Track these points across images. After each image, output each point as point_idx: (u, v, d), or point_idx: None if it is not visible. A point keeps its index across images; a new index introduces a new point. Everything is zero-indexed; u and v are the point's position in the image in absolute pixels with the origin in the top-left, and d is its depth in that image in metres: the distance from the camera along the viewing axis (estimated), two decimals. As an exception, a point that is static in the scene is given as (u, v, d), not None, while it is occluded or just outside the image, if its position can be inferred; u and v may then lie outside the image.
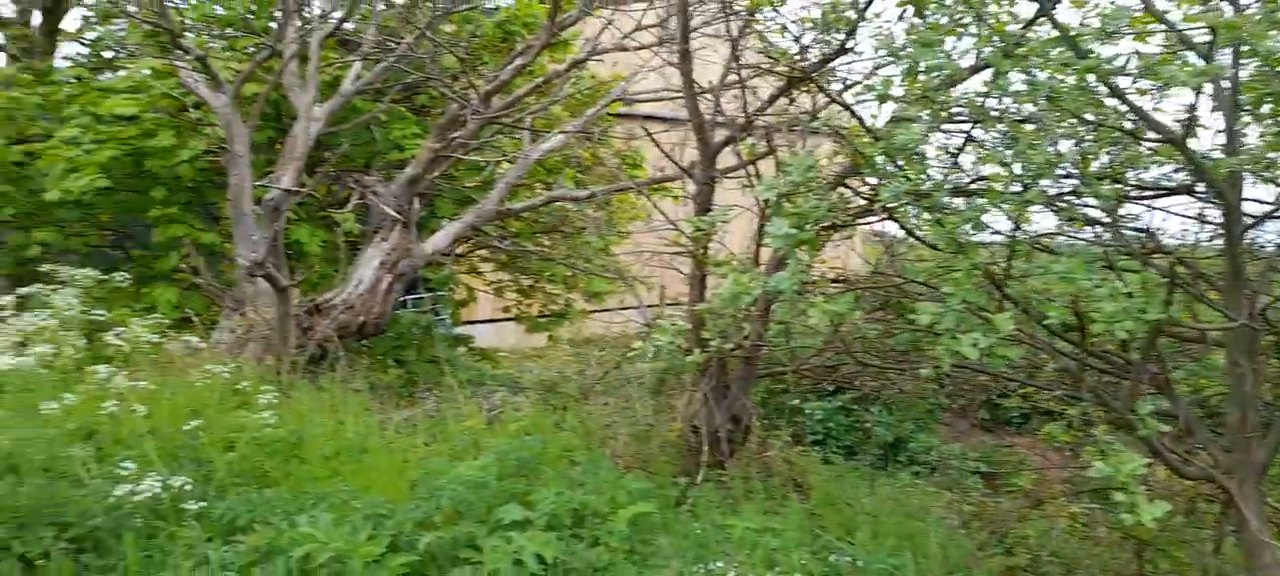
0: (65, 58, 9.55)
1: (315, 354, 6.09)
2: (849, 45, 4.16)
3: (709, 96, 3.82)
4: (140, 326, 4.70)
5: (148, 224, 9.24)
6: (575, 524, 3.07)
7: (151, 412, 3.57)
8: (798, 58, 4.24)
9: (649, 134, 3.93)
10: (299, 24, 6.67)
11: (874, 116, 3.61)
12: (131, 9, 7.97)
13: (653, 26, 5.63)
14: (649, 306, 5.37)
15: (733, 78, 4.27)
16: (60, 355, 3.70)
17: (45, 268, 4.76)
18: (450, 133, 6.43)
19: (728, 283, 3.25)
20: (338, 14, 7.00)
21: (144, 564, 2.97)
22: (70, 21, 9.50)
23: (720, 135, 3.71)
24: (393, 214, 6.24)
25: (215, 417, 3.74)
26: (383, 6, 7.22)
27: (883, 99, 3.04)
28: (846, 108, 3.97)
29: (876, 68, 4.18)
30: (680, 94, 6.08)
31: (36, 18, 9.35)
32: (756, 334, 4.29)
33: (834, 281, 4.63)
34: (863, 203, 3.96)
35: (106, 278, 5.12)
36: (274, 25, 7.58)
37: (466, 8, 7.48)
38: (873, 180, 3.82)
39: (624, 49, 6.01)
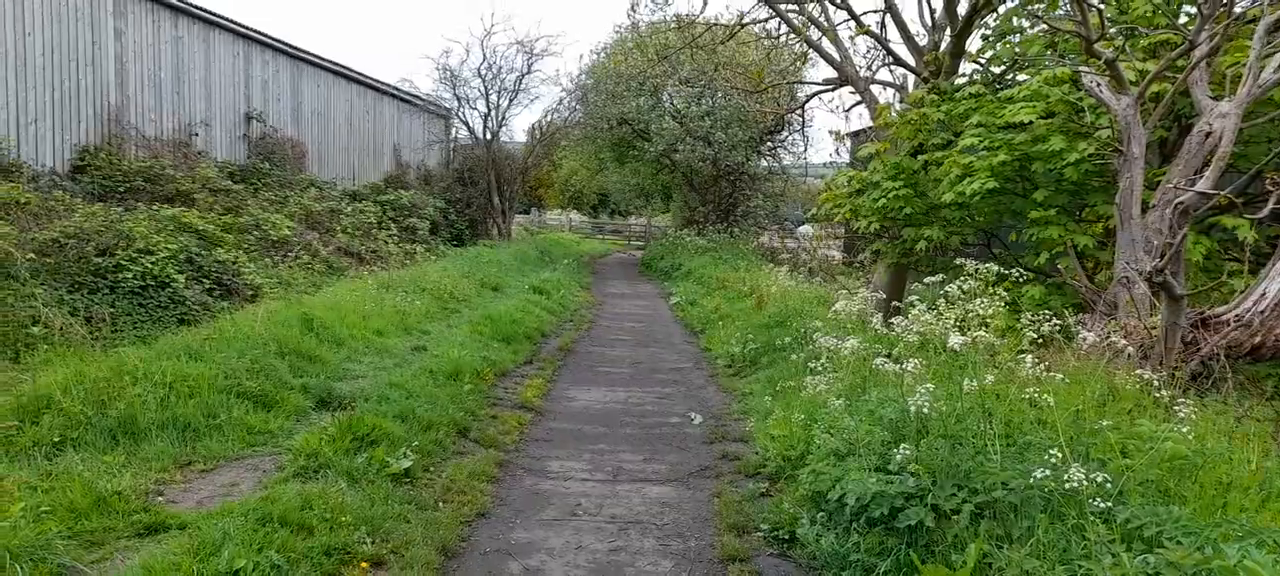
0: (961, 76, 10.76)
1: (1196, 371, 5.54)
2: None
3: None
4: (1029, 320, 4.97)
5: (1010, 225, 9.82)
6: None
7: (1058, 405, 3.73)
8: None
9: None
10: (1219, 18, 6.06)
11: None
12: (1030, 23, 8.48)
13: None
14: None
15: None
16: (982, 339, 4.16)
17: (959, 261, 5.42)
18: None
19: None
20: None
21: (1049, 546, 3.12)
22: (972, 43, 10.65)
23: None
24: (1319, 221, 5.21)
25: (1117, 421, 3.70)
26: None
27: None
28: None
29: None
30: None
31: (944, 41, 10.73)
32: None
33: None
34: None
35: (1006, 273, 5.56)
36: (1187, 20, 7.09)
37: None
38: None
39: None
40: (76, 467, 4.81)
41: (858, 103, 13.03)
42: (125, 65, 14.69)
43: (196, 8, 16.41)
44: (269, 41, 18.80)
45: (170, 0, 15.70)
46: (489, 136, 25.66)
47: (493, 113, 25.52)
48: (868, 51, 13.86)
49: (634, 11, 29.75)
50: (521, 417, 7.35)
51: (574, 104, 28.73)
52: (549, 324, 12.98)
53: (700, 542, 4.79)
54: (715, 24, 13.98)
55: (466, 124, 26.16)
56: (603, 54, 29.13)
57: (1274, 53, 6.24)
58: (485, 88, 25.17)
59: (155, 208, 12.28)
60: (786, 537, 4.70)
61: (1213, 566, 2.45)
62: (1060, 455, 3.17)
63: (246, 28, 17.99)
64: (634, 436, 7.04)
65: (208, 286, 10.73)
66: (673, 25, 15.60)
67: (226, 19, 17.32)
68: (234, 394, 6.39)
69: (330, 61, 21.39)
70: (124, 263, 9.79)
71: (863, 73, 12.79)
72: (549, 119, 28.98)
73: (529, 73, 25.43)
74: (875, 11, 11.95)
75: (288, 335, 8.08)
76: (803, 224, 31.93)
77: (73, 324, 8.75)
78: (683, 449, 6.71)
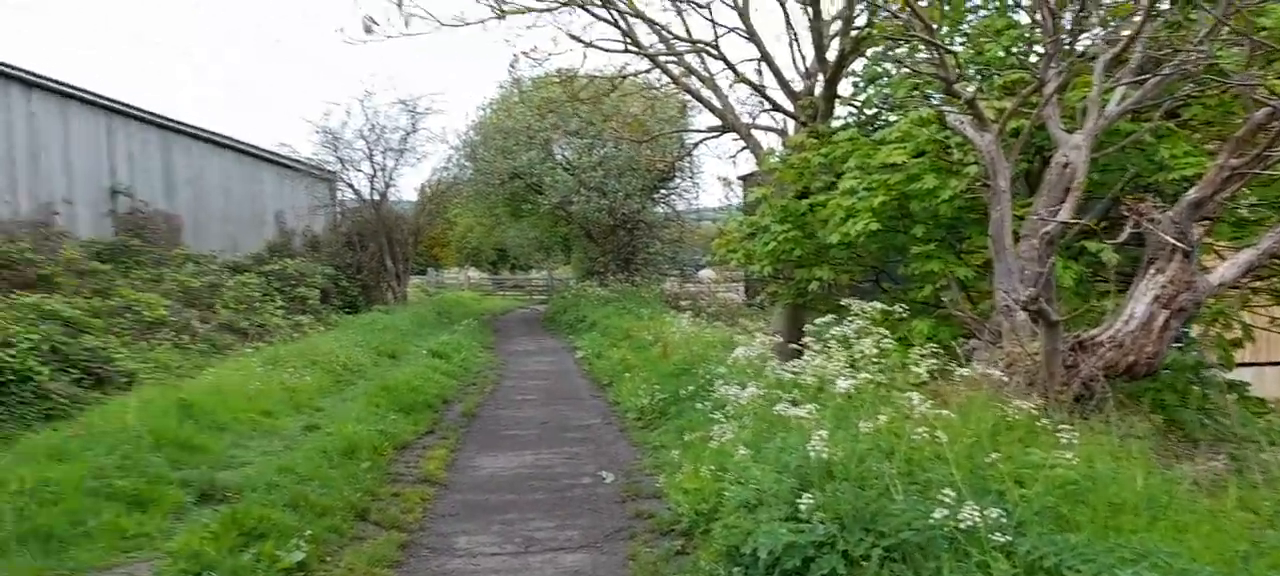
0: (837, 118, 11.19)
1: (1078, 393, 5.81)
2: None
3: None
4: (917, 356, 5.12)
5: (897, 259, 10.20)
6: None
7: (952, 440, 3.82)
8: None
9: None
10: (1063, 56, 6.50)
11: None
12: (895, 68, 8.90)
13: None
14: None
15: None
16: (872, 379, 4.26)
17: (844, 301, 5.55)
18: (1251, 145, 5.47)
19: None
20: (1098, 35, 6.63)
21: (957, 585, 3.16)
22: (844, 87, 11.10)
23: None
24: (1172, 242, 5.58)
25: (1009, 451, 3.81)
26: (1154, 21, 6.58)
27: None
28: None
29: None
30: None
31: (818, 87, 11.15)
32: None
33: None
34: None
35: (889, 310, 5.72)
36: (1037, 59, 7.58)
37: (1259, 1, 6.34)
38: None
39: None
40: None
41: (743, 148, 13.36)
42: (-28, 146, 13.70)
43: (49, 80, 15.49)
44: (134, 112, 17.92)
45: (19, 74, 14.76)
46: (377, 198, 25.09)
47: (379, 173, 25.02)
48: (748, 98, 14.29)
49: (515, 67, 29.88)
50: (425, 492, 7.06)
51: (463, 160, 28.42)
52: (451, 389, 12.63)
53: (616, 610, 4.67)
54: (597, 77, 14.15)
55: (352, 186, 25.54)
56: (488, 109, 29.03)
57: (1115, 86, 6.72)
58: (369, 148, 24.68)
59: (13, 295, 11.40)
60: (703, 596, 4.63)
61: (1113, 595, 2.53)
62: (955, 493, 3.24)
63: (108, 99, 17.10)
64: (544, 502, 6.86)
65: (76, 376, 9.98)
66: (556, 79, 15.72)
67: (85, 91, 16.42)
68: (104, 495, 5.90)
69: (202, 129, 20.54)
70: (-23, 359, 9.01)
71: (744, 119, 13.15)
72: (438, 177, 28.57)
73: (414, 131, 25.10)
74: (751, 60, 12.33)
75: (164, 425, 7.57)
76: (702, 268, 32.42)
77: (-81, 431, 7.97)
78: (595, 511, 6.57)
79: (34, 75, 15.05)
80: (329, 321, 18.95)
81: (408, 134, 25.00)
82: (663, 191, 29.00)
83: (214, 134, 20.98)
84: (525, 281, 49.19)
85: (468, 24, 11.56)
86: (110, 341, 11.19)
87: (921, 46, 9.48)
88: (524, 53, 13.01)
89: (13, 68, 14.58)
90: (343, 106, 28.31)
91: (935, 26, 8.27)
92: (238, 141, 22.08)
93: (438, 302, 27.76)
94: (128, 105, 17.68)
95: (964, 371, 5.05)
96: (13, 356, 9.23)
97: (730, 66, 12.59)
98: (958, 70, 7.03)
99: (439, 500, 6.93)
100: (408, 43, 30.51)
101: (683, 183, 28.99)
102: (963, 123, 7.11)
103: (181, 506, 6.23)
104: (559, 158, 27.08)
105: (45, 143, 15.34)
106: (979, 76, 8.32)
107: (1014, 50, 9.29)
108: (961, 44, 9.87)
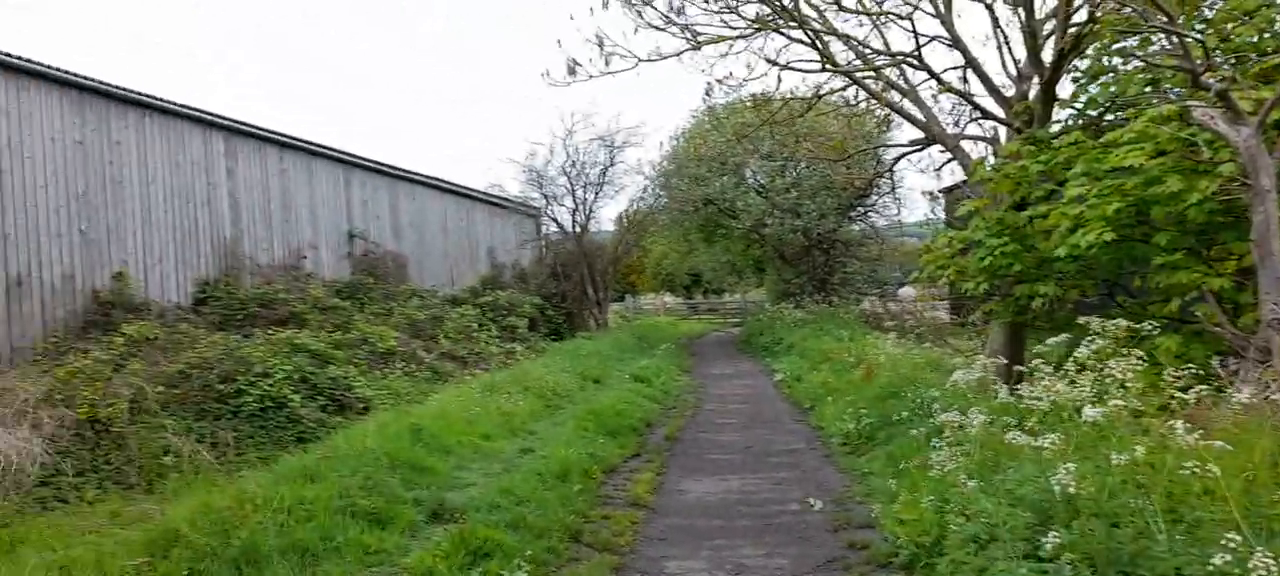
0: (1055, 122, 10.34)
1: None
2: None
3: None
4: (1175, 378, 4.57)
5: (1132, 271, 9.21)
6: None
7: (1224, 474, 3.35)
8: None
9: None
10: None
11: None
12: (1123, 62, 8.10)
13: None
14: None
15: None
16: (1124, 405, 3.84)
17: (1082, 320, 5.07)
18: None
19: None
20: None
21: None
22: (1063, 88, 10.25)
23: None
24: None
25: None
26: None
27: None
28: None
29: None
30: None
31: (1033, 89, 10.37)
32: None
33: None
34: None
35: (1137, 328, 5.16)
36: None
37: None
38: None
39: None
40: (206, 602, 4.89)
41: (949, 160, 12.67)
42: (238, 201, 15.67)
43: (299, 140, 17.46)
44: (365, 163, 19.79)
45: (276, 137, 16.77)
46: (578, 230, 26.14)
47: (580, 207, 26.06)
48: (953, 108, 13.53)
49: (709, 96, 30.20)
50: (634, 516, 7.17)
51: (658, 190, 29.03)
52: (653, 412, 12.83)
53: (835, 646, 4.48)
54: (792, 98, 13.96)
55: (556, 220, 26.77)
56: (682, 139, 29.54)
57: None
58: (571, 184, 25.78)
59: (270, 331, 12.85)
60: (930, 636, 4.35)
61: None
62: (1239, 536, 2.82)
63: (345, 153, 19.01)
64: (752, 528, 6.76)
65: (322, 403, 11.07)
66: (749, 104, 15.72)
67: (326, 147, 18.37)
68: (349, 514, 6.44)
69: (423, 175, 22.33)
70: (244, 387, 10.22)
71: (950, 129, 12.46)
72: (635, 207, 29.36)
73: (612, 165, 25.95)
74: (955, 68, 11.66)
75: (398, 447, 8.19)
76: (903, 286, 31.11)
77: (200, 451, 9.13)
78: (805, 539, 6.39)
79: (286, 136, 17.05)
80: (537, 348, 19.87)
81: (606, 168, 25.92)
82: (860, 209, 28.16)
83: (433, 178, 22.77)
84: (718, 304, 49.39)
85: (664, 58, 11.76)
86: (350, 371, 12.32)
87: (1154, 37, 8.61)
88: (718, 80, 13.01)
89: (271, 132, 16.62)
90: (546, 145, 29.94)
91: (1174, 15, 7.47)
92: (453, 184, 23.82)
93: (636, 328, 28.40)
94: (360, 157, 19.57)
95: (1241, 396, 4.43)
96: (271, 385, 10.39)
97: (934, 76, 11.99)
98: (1205, 60, 6.27)
99: (648, 524, 7.01)
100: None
101: (882, 198, 28.02)
102: (1213, 117, 6.34)
103: (415, 525, 6.69)
104: (751, 182, 27.02)
105: (295, 195, 17.29)
106: (1228, 65, 7.40)
107: (1268, 33, 8.21)
108: (1201, 30, 8.85)
